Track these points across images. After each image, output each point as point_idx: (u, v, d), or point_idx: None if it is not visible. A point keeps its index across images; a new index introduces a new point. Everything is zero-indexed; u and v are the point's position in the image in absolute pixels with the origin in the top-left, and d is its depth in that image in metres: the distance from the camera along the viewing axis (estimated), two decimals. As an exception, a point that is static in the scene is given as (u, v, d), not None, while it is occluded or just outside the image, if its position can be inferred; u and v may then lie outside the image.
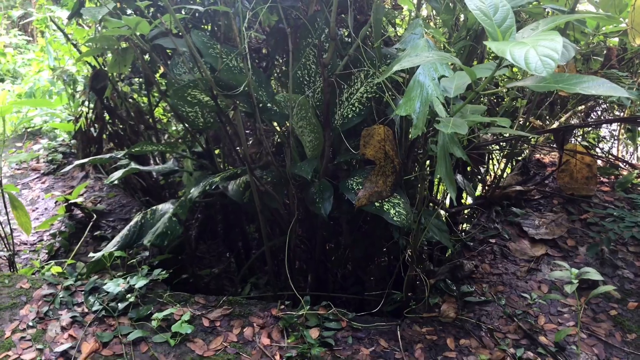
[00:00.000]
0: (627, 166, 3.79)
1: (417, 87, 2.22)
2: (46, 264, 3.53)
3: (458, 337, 2.71)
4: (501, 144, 3.62)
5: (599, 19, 2.98)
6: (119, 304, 2.66)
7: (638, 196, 3.33)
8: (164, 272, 2.80)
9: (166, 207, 3.43)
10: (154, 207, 3.45)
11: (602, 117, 4.00)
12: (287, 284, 3.15)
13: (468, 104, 2.27)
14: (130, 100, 4.62)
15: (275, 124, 3.40)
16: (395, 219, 2.72)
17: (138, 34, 2.65)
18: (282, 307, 2.81)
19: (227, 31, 3.07)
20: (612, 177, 3.79)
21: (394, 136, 2.66)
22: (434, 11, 3.34)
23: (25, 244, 4.13)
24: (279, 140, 3.44)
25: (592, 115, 4.05)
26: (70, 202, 4.27)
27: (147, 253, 3.94)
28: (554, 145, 3.81)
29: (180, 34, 2.71)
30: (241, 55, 2.51)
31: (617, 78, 2.82)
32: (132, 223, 3.35)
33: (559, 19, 1.98)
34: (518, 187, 3.62)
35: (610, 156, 3.81)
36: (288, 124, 2.89)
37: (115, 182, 3.58)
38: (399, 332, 2.72)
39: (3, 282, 2.76)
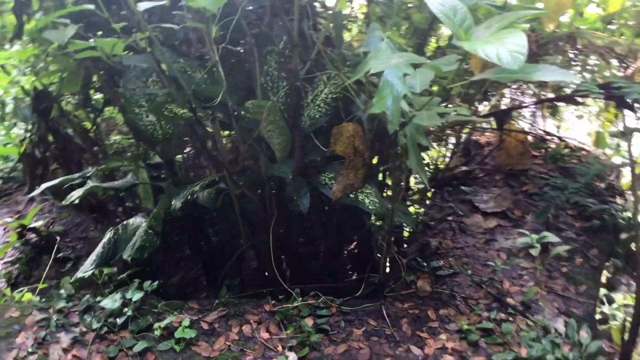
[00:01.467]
0: (555, 140, 4.22)
1: (387, 87, 2.42)
2: (18, 292, 3.47)
3: (437, 308, 2.99)
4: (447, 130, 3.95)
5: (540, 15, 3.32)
6: (117, 319, 2.72)
7: (575, 165, 3.74)
8: (154, 284, 2.87)
9: (137, 221, 3.48)
10: (124, 223, 3.50)
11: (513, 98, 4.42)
12: (265, 281, 3.32)
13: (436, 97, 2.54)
14: (74, 118, 4.57)
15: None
16: (370, 207, 2.96)
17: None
18: (274, 302, 2.96)
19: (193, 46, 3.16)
20: (543, 150, 4.20)
21: (363, 132, 2.88)
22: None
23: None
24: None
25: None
26: (26, 227, 4.19)
27: (115, 269, 3.95)
28: (492, 127, 4.17)
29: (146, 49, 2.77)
30: (215, 67, 2.63)
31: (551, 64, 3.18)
32: (104, 240, 3.38)
33: (508, 18, 2.26)
34: (464, 168, 3.96)
35: (542, 132, 4.22)
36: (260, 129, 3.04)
37: (76, 201, 3.57)
38: (384, 310, 2.96)
39: (-7, 313, 2.74)
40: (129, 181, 3.91)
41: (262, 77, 3.16)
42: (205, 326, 2.78)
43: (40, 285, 3.60)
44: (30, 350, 2.55)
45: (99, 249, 3.35)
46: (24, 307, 2.82)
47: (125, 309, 2.75)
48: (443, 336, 2.82)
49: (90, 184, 3.70)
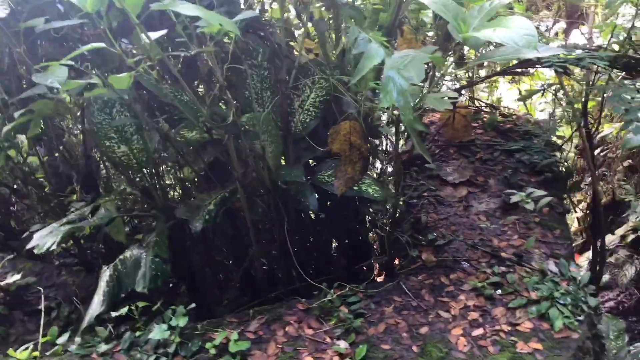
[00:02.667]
0: (489, 109, 4.72)
1: (390, 82, 2.66)
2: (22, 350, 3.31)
3: (447, 274, 3.30)
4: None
5: None
6: (167, 349, 2.74)
7: (520, 127, 4.23)
8: (191, 306, 2.90)
9: (136, 253, 3.46)
10: (121, 258, 3.46)
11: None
12: (278, 282, 3.46)
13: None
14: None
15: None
16: (375, 195, 3.20)
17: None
18: (303, 300, 3.12)
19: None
20: (480, 121, 4.68)
21: (360, 127, 3.11)
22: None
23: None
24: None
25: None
26: (-6, 286, 3.95)
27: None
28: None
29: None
30: (222, 89, 2.72)
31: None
32: (105, 279, 3.33)
33: (494, 8, 2.59)
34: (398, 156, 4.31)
35: (481, 104, 4.69)
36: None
37: (54, 247, 3.48)
38: (404, 286, 3.22)
39: (34, 370, 2.65)
40: (109, 215, 3.82)
41: (245, 90, 3.27)
42: (251, 336, 2.87)
43: (42, 340, 3.46)
44: (92, 397, 2.52)
45: (103, 288, 3.29)
46: (62, 358, 2.75)
47: (172, 337, 2.77)
48: (462, 297, 3.14)
49: (66, 226, 3.61)
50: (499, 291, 3.13)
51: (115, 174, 4.95)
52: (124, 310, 2.85)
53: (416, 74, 2.83)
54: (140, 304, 2.88)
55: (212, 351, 2.71)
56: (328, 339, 2.86)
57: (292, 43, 3.63)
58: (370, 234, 4.10)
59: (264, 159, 3.17)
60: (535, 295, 3.06)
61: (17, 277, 3.99)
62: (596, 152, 4.88)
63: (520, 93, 5.09)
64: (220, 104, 3.42)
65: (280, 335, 2.89)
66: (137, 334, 2.83)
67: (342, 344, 2.80)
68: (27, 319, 4.09)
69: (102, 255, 4.93)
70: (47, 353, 2.91)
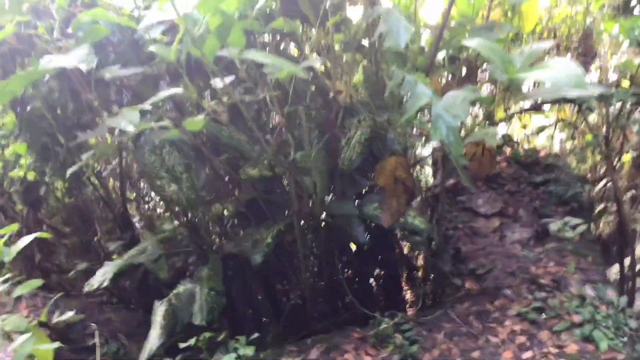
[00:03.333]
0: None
1: (439, 119, 2.88)
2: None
3: (491, 301, 3.46)
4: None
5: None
6: (233, 378, 2.86)
7: (541, 160, 4.45)
8: (251, 337, 3.03)
9: (189, 287, 3.59)
10: (174, 293, 3.59)
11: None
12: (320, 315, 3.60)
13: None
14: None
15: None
16: (421, 226, 3.38)
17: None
18: (358, 329, 3.26)
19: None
20: (502, 155, 4.90)
21: (405, 162, 3.31)
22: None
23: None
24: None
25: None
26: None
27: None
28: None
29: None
30: (282, 129, 2.92)
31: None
32: (162, 313, 3.45)
33: (534, 52, 2.82)
34: (452, 181, 4.52)
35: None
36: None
37: (105, 284, 3.62)
38: (451, 314, 3.37)
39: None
40: (155, 252, 3.96)
41: (295, 130, 3.47)
42: (312, 363, 3.00)
43: (99, 374, 3.56)
44: None
45: (159, 322, 3.41)
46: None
47: (239, 366, 2.89)
48: (508, 322, 3.28)
49: (116, 263, 3.76)
50: (543, 315, 3.29)
51: (150, 214, 5.12)
52: (192, 341, 2.97)
53: (462, 112, 3.06)
54: (207, 335, 3.01)
55: (280, 379, 2.84)
56: (386, 365, 3.00)
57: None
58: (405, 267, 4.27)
59: (315, 194, 3.35)
60: (577, 318, 3.22)
61: (69, 314, 4.08)
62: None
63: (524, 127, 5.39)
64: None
65: (340, 362, 3.02)
66: (207, 364, 2.95)
67: (400, 370, 2.94)
68: (75, 356, 4.18)
69: (138, 292, 5.06)
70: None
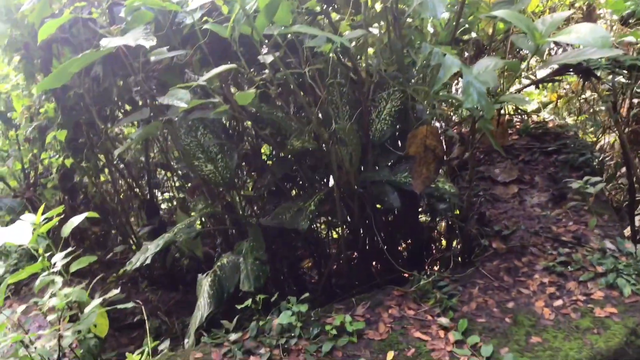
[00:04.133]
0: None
1: (469, 86, 3.09)
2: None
3: (518, 258, 3.69)
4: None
5: None
6: (292, 333, 3.06)
7: (550, 131, 4.69)
8: (302, 297, 3.24)
9: (232, 259, 3.77)
10: (219, 264, 3.77)
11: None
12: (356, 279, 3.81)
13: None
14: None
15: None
16: (451, 190, 3.60)
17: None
18: (398, 287, 3.47)
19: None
20: (514, 128, 5.14)
21: (436, 130, 3.52)
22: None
23: None
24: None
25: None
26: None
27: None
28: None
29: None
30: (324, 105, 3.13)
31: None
32: (207, 285, 3.63)
33: (557, 19, 3.05)
34: (468, 154, 4.74)
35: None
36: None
37: (147, 262, 3.79)
38: (483, 270, 3.60)
39: (178, 359, 2.95)
40: (193, 230, 4.15)
41: (328, 105, 3.67)
42: (360, 319, 3.21)
43: (151, 344, 3.73)
44: (237, 377, 2.82)
45: (207, 291, 3.59)
46: (199, 348, 3.05)
47: (294, 322, 3.09)
48: (536, 275, 3.52)
49: (155, 245, 3.93)
50: (569, 268, 3.52)
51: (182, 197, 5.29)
52: (248, 302, 3.17)
53: (491, 79, 3.28)
54: (261, 296, 3.22)
55: (333, 332, 3.04)
56: (429, 317, 3.21)
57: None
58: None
59: (350, 164, 3.56)
60: (600, 269, 3.46)
61: (115, 291, 4.25)
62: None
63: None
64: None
65: (386, 316, 3.23)
66: (262, 323, 3.14)
67: (444, 320, 3.15)
68: (118, 334, 4.36)
69: (168, 275, 5.26)
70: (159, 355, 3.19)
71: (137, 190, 5.10)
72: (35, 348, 3.09)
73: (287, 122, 3.50)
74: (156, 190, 5.39)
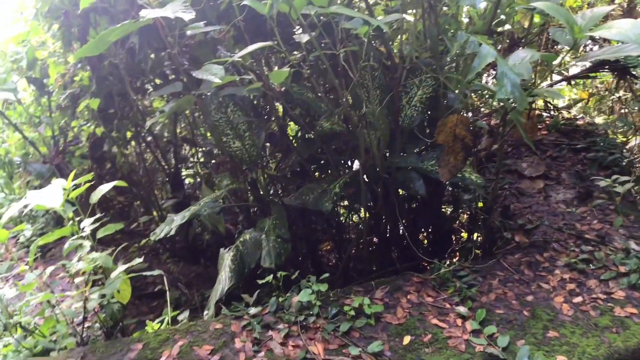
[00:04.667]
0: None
1: (504, 77, 3.07)
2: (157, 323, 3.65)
3: (540, 253, 3.68)
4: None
5: None
6: (310, 311, 3.10)
7: (580, 128, 4.64)
8: (322, 277, 3.27)
9: (254, 235, 3.81)
10: (241, 240, 3.81)
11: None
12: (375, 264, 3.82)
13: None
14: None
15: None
16: (478, 181, 3.59)
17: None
18: (417, 274, 3.49)
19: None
20: (543, 123, 5.09)
21: (466, 120, 3.51)
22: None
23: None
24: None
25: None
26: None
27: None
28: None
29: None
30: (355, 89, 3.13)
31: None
32: (229, 259, 3.68)
33: (597, 13, 3.01)
34: (495, 146, 4.72)
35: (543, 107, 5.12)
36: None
37: (172, 233, 3.83)
38: (504, 263, 3.60)
39: (197, 329, 3.00)
40: (218, 205, 4.19)
41: (358, 89, 3.68)
42: (379, 302, 3.23)
43: (170, 313, 3.81)
44: (254, 349, 2.87)
45: (229, 265, 3.64)
46: (219, 319, 3.10)
47: (314, 301, 3.13)
48: (557, 271, 3.51)
49: (184, 214, 3.98)
50: (591, 266, 3.51)
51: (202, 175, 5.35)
52: (269, 278, 3.22)
53: (525, 71, 3.26)
54: (282, 273, 3.26)
55: (351, 313, 3.07)
56: (447, 305, 3.23)
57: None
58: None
59: (378, 149, 3.57)
60: (623, 269, 3.44)
61: (138, 260, 4.33)
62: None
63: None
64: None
65: (404, 302, 3.25)
66: (281, 299, 3.19)
67: (462, 309, 3.17)
68: (139, 302, 4.45)
69: (189, 248, 5.33)
70: (179, 325, 3.24)
71: (163, 163, 5.16)
72: (61, 309, 3.18)
73: (317, 103, 3.52)
74: (181, 165, 5.45)
